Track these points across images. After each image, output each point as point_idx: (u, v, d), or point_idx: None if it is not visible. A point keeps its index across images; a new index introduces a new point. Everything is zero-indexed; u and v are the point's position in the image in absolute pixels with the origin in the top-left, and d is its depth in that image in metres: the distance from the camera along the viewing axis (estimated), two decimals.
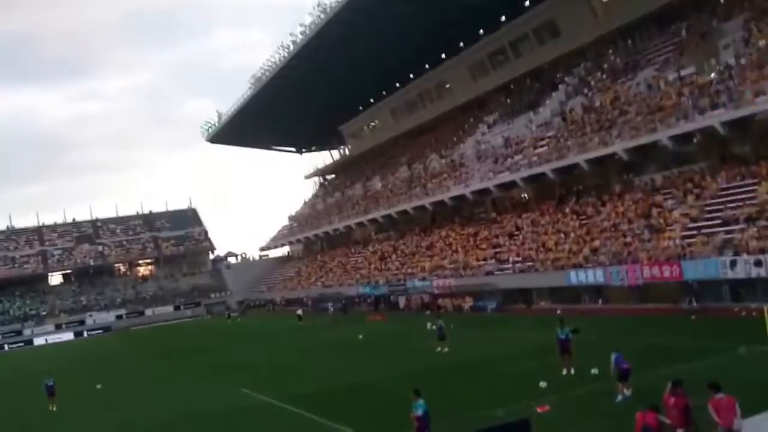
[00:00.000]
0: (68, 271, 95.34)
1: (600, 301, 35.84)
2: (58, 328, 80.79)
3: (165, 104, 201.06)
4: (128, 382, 32.42)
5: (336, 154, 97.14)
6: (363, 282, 62.07)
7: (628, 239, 35.23)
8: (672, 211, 34.65)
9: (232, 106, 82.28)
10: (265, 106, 76.09)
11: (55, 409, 26.79)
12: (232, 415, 21.22)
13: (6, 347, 74.65)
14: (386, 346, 33.46)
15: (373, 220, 69.24)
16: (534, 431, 10.91)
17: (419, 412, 13.85)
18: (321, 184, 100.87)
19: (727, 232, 29.86)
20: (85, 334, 79.29)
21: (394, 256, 62.23)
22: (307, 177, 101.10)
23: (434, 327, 34.96)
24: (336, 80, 68.62)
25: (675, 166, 38.01)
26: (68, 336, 78.23)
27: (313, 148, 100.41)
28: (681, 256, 30.76)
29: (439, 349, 27.61)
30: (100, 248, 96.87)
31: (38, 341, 76.05)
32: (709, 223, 31.84)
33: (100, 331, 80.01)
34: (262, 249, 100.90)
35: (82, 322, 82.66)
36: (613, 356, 16.38)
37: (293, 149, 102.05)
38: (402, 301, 53.90)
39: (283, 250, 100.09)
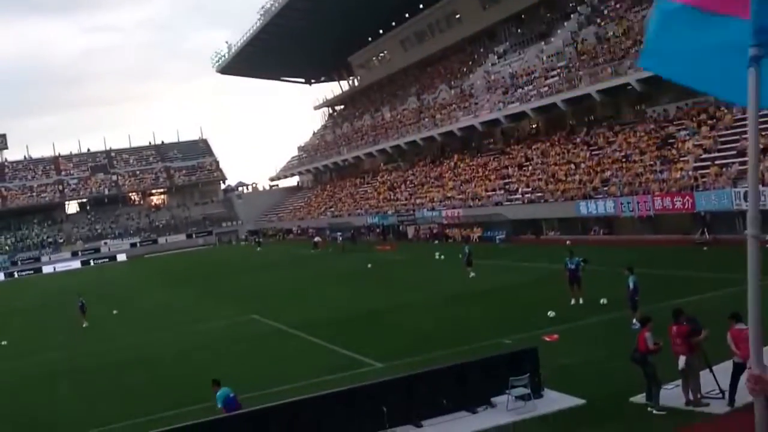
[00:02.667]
0: (84, 200, 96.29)
1: (609, 232, 35.97)
2: (75, 255, 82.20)
3: (176, 36, 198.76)
4: (142, 309, 33.24)
5: (345, 85, 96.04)
6: (372, 212, 62.37)
7: (640, 170, 35.04)
8: (685, 142, 34.30)
9: (242, 37, 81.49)
10: (275, 37, 74.93)
11: (86, 324, 28.67)
12: (240, 341, 21.69)
13: (25, 273, 76.22)
14: (394, 275, 33.89)
15: (382, 151, 69.05)
16: (541, 360, 11.08)
17: (219, 404, 11.50)
18: (330, 115, 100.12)
19: (742, 164, 29.56)
20: (100, 261, 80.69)
21: (403, 187, 62.27)
22: (316, 108, 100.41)
23: (443, 257, 35.69)
24: (345, 10, 67.13)
25: (689, 97, 37.36)
26: (84, 263, 79.65)
27: (322, 78, 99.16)
28: (693, 187, 30.61)
29: (472, 274, 27.94)
30: (114, 178, 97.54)
31: (59, 267, 77.66)
32: (724, 154, 31.54)
33: (116, 258, 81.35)
34: (272, 179, 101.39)
35: (97, 250, 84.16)
36: (631, 279, 16.51)
37: (302, 80, 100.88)
38: (411, 231, 54.27)
39: (292, 181, 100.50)
